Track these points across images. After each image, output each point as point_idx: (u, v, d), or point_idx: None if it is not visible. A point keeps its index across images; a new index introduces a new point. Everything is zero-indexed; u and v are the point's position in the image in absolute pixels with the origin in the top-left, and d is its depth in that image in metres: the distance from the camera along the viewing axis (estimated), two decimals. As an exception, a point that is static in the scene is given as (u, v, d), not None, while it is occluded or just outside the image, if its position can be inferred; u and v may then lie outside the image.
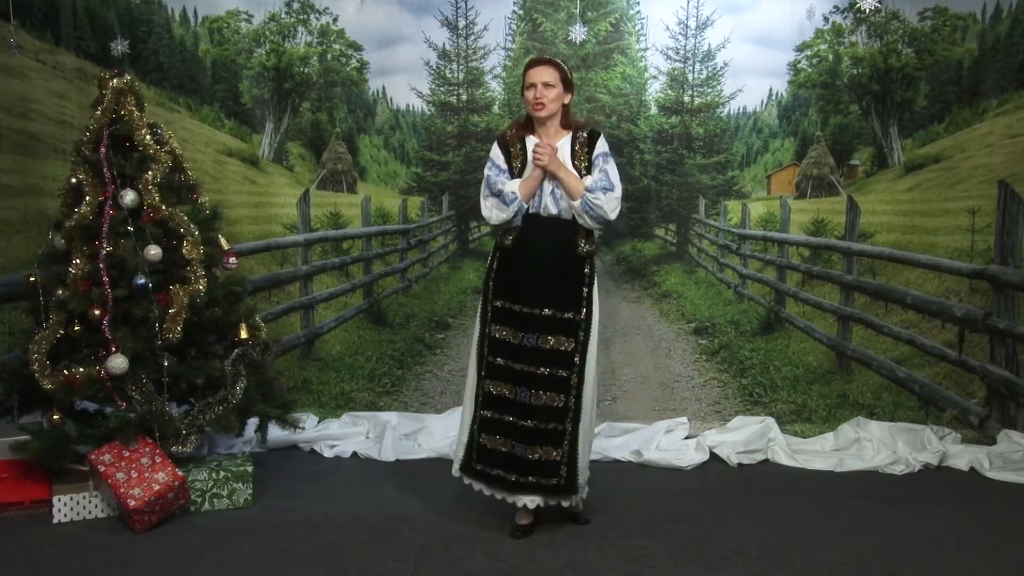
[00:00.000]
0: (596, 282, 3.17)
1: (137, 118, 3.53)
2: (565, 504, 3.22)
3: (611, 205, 3.09)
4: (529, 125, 3.20)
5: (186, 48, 4.70)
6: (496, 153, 3.19)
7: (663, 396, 4.56)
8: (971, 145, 4.40)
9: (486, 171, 3.18)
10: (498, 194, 3.13)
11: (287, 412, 3.81)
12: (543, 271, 3.12)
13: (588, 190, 3.07)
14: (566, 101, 3.17)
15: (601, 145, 3.16)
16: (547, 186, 3.11)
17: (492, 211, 3.15)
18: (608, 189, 3.09)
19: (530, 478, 3.12)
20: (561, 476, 3.13)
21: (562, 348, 3.10)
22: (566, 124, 3.20)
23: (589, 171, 3.13)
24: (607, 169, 3.12)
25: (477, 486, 3.25)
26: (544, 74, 3.10)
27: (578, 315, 3.12)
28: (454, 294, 4.73)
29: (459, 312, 4.73)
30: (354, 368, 4.69)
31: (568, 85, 3.16)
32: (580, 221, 3.11)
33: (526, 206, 3.12)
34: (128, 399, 3.39)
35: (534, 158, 3.08)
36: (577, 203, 3.08)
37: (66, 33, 4.52)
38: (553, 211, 3.12)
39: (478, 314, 3.25)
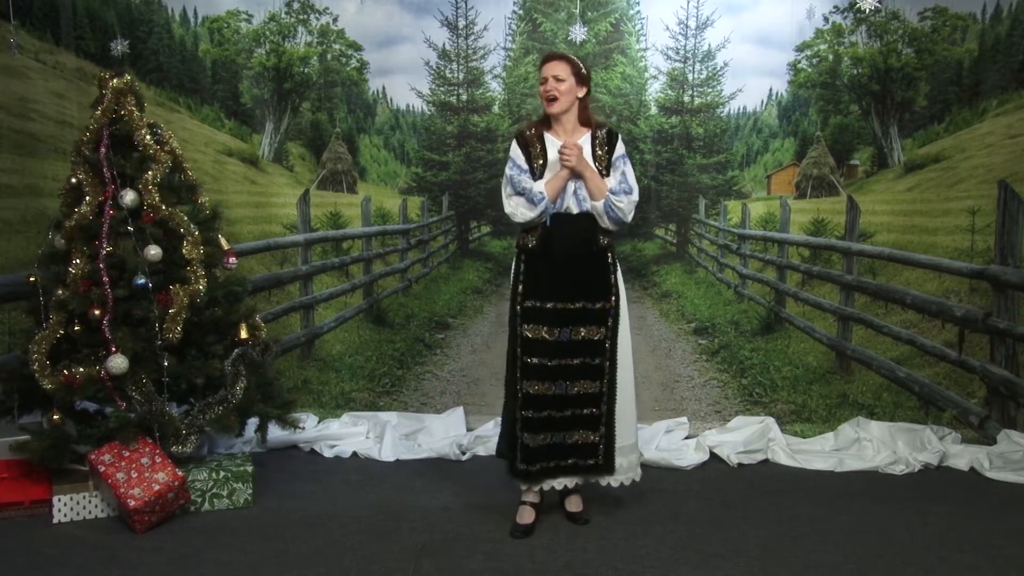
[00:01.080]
0: (619, 269, 3.25)
1: (137, 118, 3.53)
2: (603, 483, 3.32)
3: (630, 208, 3.19)
4: (547, 122, 3.22)
5: (186, 48, 4.70)
6: (516, 152, 3.19)
7: (663, 396, 4.56)
8: (971, 145, 4.40)
9: (508, 170, 3.18)
10: (522, 192, 3.13)
11: (287, 412, 3.81)
12: (570, 266, 3.17)
13: (612, 192, 3.14)
14: (580, 95, 3.19)
15: (621, 147, 3.24)
16: (570, 186, 3.14)
17: (518, 209, 3.15)
18: (628, 192, 3.18)
19: (569, 460, 3.23)
20: (599, 456, 3.24)
21: (594, 337, 3.18)
22: (585, 121, 3.23)
23: (607, 170, 3.18)
24: (626, 171, 3.21)
25: (524, 486, 3.27)
26: (555, 68, 3.14)
27: (607, 304, 3.20)
28: (454, 294, 4.73)
29: (459, 312, 4.73)
30: (354, 368, 4.69)
31: (582, 79, 3.18)
32: (599, 221, 3.17)
33: (553, 206, 3.14)
34: (128, 399, 3.39)
35: (562, 160, 3.09)
36: (600, 204, 3.14)
37: (66, 33, 4.53)
38: (575, 211, 3.16)
39: (508, 318, 3.26)
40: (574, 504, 3.37)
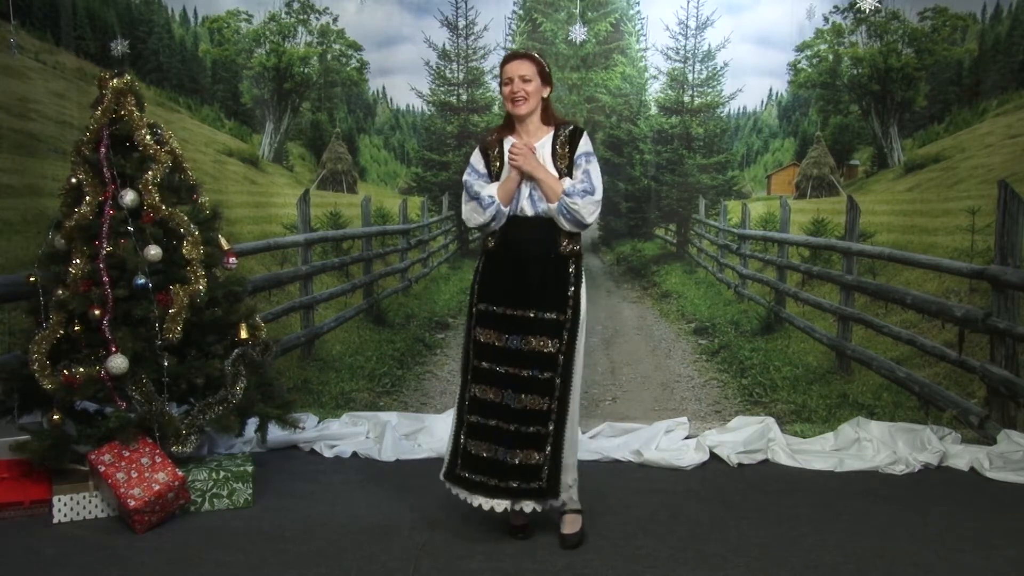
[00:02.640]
0: (584, 282, 3.08)
1: (137, 118, 3.53)
2: (542, 508, 3.11)
3: (589, 209, 2.98)
4: (510, 126, 3.12)
5: (186, 48, 4.70)
6: (476, 157, 3.11)
7: (663, 396, 4.56)
8: (971, 145, 4.40)
9: (464, 176, 3.11)
10: (475, 197, 3.04)
11: (287, 412, 3.81)
12: (524, 272, 3.04)
13: (566, 193, 2.96)
14: (545, 95, 3.08)
15: (584, 144, 3.05)
16: (524, 188, 3.02)
17: (471, 215, 3.07)
18: (588, 192, 2.98)
19: (510, 482, 3.03)
20: (542, 479, 3.03)
21: (545, 350, 3.02)
22: (547, 120, 3.11)
23: (570, 170, 3.02)
24: (589, 170, 3.01)
25: (460, 493, 3.14)
26: (521, 68, 3.01)
27: (562, 315, 3.01)
28: (454, 294, 4.73)
29: (459, 312, 4.72)
30: (354, 368, 4.69)
31: (546, 78, 3.07)
32: (558, 223, 3.02)
33: (506, 209, 3.03)
34: (128, 399, 3.39)
35: (509, 159, 3.00)
36: (554, 206, 2.98)
37: (66, 33, 4.53)
38: (530, 213, 3.03)
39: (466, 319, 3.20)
40: (568, 526, 3.16)
